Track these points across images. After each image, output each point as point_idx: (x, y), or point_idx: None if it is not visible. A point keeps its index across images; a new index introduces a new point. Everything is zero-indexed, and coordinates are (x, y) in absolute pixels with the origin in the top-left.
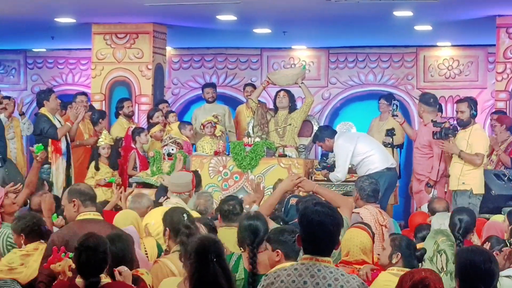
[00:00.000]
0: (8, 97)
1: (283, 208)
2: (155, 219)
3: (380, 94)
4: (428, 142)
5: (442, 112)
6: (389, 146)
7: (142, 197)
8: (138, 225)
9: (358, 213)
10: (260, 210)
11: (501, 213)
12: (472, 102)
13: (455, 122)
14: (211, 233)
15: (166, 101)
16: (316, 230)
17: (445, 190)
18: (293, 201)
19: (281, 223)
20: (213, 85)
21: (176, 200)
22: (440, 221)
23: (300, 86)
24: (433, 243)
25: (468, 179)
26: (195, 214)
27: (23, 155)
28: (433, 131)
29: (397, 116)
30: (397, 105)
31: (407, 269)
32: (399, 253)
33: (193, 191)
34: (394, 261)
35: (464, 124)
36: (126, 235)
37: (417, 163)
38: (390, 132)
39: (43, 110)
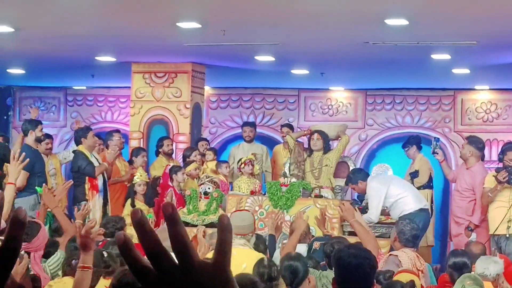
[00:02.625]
0: (49, 136)
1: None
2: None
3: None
4: (471, 186)
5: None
6: None
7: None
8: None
9: (397, 256)
10: (285, 252)
11: None
12: None
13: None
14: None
15: (206, 139)
16: (354, 273)
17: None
18: (316, 245)
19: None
20: (253, 124)
21: (243, 241)
22: (484, 265)
23: (338, 139)
24: (461, 287)
25: None
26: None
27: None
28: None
29: (437, 153)
30: (437, 143)
31: None
32: None
33: (254, 231)
34: None
35: None
36: None
37: (457, 206)
38: (413, 174)
39: (80, 148)
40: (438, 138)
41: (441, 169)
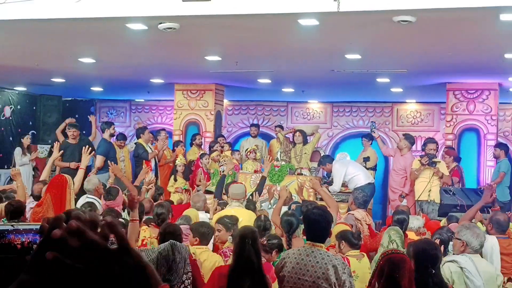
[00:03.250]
0: (124, 136)
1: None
2: (242, 217)
3: (362, 134)
4: (404, 167)
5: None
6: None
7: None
8: (197, 219)
9: (353, 214)
10: (275, 212)
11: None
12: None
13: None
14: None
15: (223, 136)
16: (314, 225)
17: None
18: (293, 207)
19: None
20: (257, 125)
21: (237, 204)
22: (410, 221)
23: (313, 134)
24: (388, 236)
25: (432, 192)
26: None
27: (130, 171)
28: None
29: (374, 132)
30: (374, 124)
31: (355, 251)
32: (343, 241)
33: (246, 197)
34: (342, 247)
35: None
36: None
37: (393, 180)
38: (365, 159)
39: (140, 141)
40: (374, 122)
41: (383, 157)
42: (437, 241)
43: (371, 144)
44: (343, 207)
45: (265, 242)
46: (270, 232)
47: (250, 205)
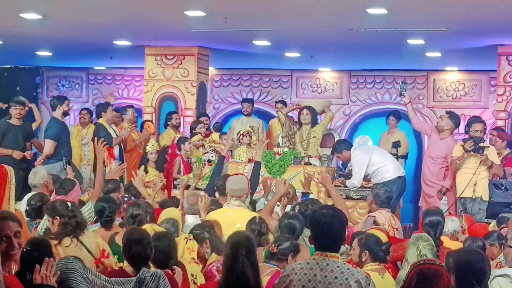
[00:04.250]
0: (87, 109)
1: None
2: (240, 222)
3: (389, 111)
4: (445, 154)
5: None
6: (394, 156)
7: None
8: (180, 222)
9: (374, 217)
10: (265, 211)
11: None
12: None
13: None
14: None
15: (207, 115)
16: (325, 229)
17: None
18: (297, 208)
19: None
20: (250, 101)
21: (238, 202)
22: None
23: (323, 112)
24: (415, 248)
25: (479, 187)
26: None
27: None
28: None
29: (404, 96)
30: (405, 85)
31: (378, 264)
32: (367, 251)
33: (249, 193)
34: (363, 259)
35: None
36: (171, 233)
37: (429, 171)
38: (396, 144)
39: (101, 120)
40: (405, 82)
41: (415, 138)
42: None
43: (398, 124)
44: (364, 206)
45: (275, 249)
46: (267, 238)
47: (250, 204)
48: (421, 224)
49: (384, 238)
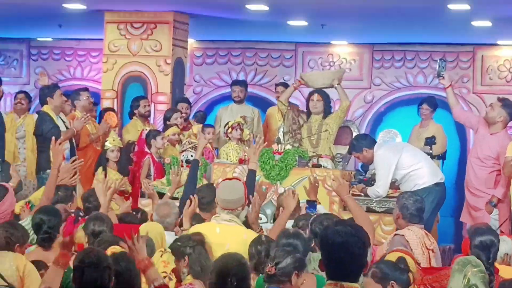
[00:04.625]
0: (24, 92)
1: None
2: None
3: (422, 97)
4: (496, 154)
5: None
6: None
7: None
8: (162, 241)
9: (403, 235)
10: (273, 231)
11: None
12: None
13: None
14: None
15: (187, 100)
16: (340, 252)
17: None
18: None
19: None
20: (243, 83)
21: (229, 217)
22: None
23: (335, 88)
24: (462, 278)
25: None
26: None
27: (33, 155)
28: None
29: (443, 77)
30: (444, 64)
31: None
32: (394, 282)
33: (245, 204)
34: None
35: None
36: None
37: (475, 175)
38: (430, 141)
39: (46, 108)
40: (444, 60)
41: (456, 132)
42: None
43: (434, 115)
44: (390, 221)
45: (273, 270)
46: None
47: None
48: (465, 245)
49: (411, 264)
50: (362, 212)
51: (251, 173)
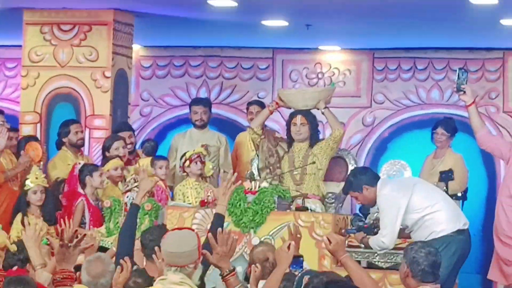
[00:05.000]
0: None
1: None
2: None
3: (437, 119)
4: None
5: None
6: None
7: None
8: None
9: None
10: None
11: None
12: None
13: None
14: None
15: (130, 128)
16: None
17: None
18: (306, 280)
19: None
20: (206, 102)
21: (180, 277)
22: None
23: (322, 113)
24: None
25: None
26: None
27: None
28: None
29: (464, 92)
30: (466, 75)
31: None
32: None
33: (199, 260)
34: None
35: None
36: None
37: (508, 221)
38: (446, 176)
39: None
40: (466, 70)
41: (483, 164)
42: None
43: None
44: (396, 282)
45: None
46: None
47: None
48: None
49: None
50: (366, 276)
51: (218, 219)
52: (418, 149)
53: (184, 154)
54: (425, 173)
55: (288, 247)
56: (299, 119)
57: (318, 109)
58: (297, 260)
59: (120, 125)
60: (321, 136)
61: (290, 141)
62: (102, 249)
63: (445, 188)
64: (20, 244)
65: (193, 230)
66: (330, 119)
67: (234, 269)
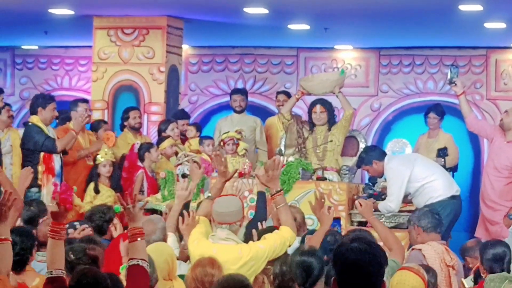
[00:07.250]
0: (8, 104)
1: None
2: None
3: (429, 105)
4: None
5: None
6: None
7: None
8: (172, 264)
9: (420, 250)
10: (312, 242)
11: None
12: None
13: None
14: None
15: (187, 115)
16: (353, 271)
17: None
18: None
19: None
20: (244, 92)
21: (226, 233)
22: None
23: (337, 96)
24: None
25: None
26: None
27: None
28: None
29: (455, 84)
30: (456, 70)
31: None
32: None
33: (243, 219)
34: None
35: None
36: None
37: (492, 187)
38: (442, 152)
39: (34, 120)
40: (457, 66)
41: (470, 142)
42: None
43: (441, 124)
44: (401, 237)
45: None
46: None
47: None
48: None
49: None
50: (390, 233)
51: (261, 195)
52: (416, 130)
53: (221, 135)
54: (422, 150)
55: (329, 210)
56: (318, 108)
57: (333, 93)
58: (336, 221)
59: (178, 113)
60: (336, 120)
61: (311, 124)
62: (157, 212)
63: (443, 162)
64: (103, 208)
65: (236, 195)
66: (342, 101)
67: (281, 189)
